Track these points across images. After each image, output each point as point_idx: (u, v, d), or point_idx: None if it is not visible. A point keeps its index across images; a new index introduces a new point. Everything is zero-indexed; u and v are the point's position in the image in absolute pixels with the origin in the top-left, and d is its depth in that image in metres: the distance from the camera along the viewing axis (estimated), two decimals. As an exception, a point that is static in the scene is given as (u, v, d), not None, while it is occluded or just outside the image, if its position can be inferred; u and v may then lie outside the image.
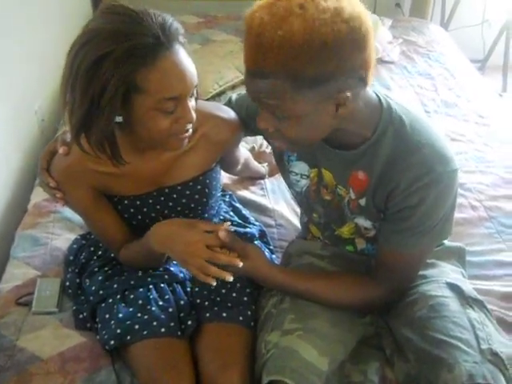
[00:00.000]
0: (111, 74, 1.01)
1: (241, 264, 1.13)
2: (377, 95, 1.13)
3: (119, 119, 1.07)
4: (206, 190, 1.31)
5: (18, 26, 1.95)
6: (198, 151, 1.26)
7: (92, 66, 1.01)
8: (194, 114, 1.11)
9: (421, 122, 1.13)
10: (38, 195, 1.73)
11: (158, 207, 1.29)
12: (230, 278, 1.11)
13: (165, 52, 1.04)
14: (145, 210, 1.28)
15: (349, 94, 0.99)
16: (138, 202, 1.27)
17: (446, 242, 1.35)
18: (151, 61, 1.03)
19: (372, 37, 1.00)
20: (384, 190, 1.13)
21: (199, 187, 1.30)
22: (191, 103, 1.11)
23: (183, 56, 1.07)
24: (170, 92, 1.05)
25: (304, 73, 0.95)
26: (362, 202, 1.19)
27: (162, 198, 1.28)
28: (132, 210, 1.28)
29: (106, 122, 1.05)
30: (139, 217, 1.29)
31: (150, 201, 1.28)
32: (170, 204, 1.29)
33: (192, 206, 1.31)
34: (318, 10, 0.93)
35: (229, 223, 1.14)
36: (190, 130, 1.14)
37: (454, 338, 1.09)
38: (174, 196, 1.29)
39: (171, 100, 1.06)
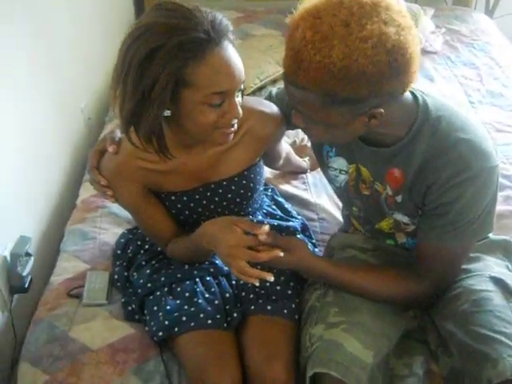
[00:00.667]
0: (162, 68, 1.03)
1: (282, 254, 1.13)
2: (413, 93, 1.12)
3: (167, 113, 1.10)
4: (251, 185, 1.33)
5: (65, 27, 2.00)
6: (242, 146, 1.27)
7: (144, 60, 1.04)
8: (240, 110, 1.12)
9: (458, 117, 1.11)
10: (86, 191, 1.78)
11: (205, 202, 1.31)
12: (271, 278, 1.12)
13: (214, 47, 1.06)
14: (191, 205, 1.31)
15: (382, 110, 1.00)
16: (185, 198, 1.30)
17: (490, 235, 1.33)
18: (201, 55, 1.04)
19: (417, 58, 0.99)
20: (421, 186, 1.12)
21: (244, 182, 1.31)
22: (238, 99, 1.12)
23: (232, 52, 1.09)
24: (218, 87, 1.07)
25: (338, 93, 0.96)
26: (399, 198, 1.18)
27: (208, 194, 1.31)
28: (179, 206, 1.30)
29: (155, 115, 1.07)
30: (186, 212, 1.31)
31: (197, 196, 1.30)
32: (216, 199, 1.32)
33: (237, 200, 1.33)
34: (361, 37, 0.92)
35: (267, 226, 1.14)
36: (236, 126, 1.16)
37: (497, 333, 1.08)
38: (220, 191, 1.31)
39: (219, 94, 1.08)
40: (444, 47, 2.68)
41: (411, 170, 1.13)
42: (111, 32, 2.44)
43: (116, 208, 1.70)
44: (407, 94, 1.10)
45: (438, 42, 2.67)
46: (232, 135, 1.17)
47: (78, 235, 1.63)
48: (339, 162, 1.27)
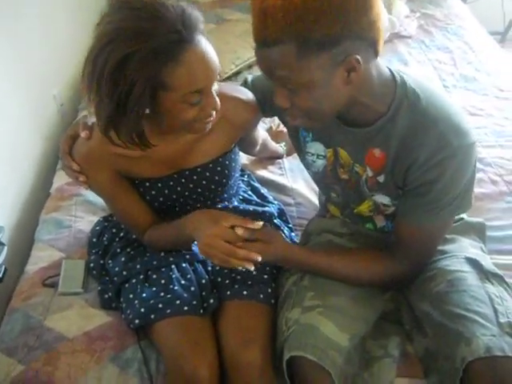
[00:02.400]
0: (137, 75, 1.01)
1: (259, 258, 1.13)
2: (390, 70, 1.12)
3: (146, 111, 1.09)
4: (226, 172, 1.32)
5: (35, 12, 1.96)
6: (217, 133, 1.27)
7: (117, 67, 1.02)
8: (218, 101, 1.12)
9: (436, 96, 1.12)
10: (61, 179, 1.76)
11: (179, 189, 1.31)
12: (252, 267, 1.13)
13: (188, 46, 1.04)
14: (166, 192, 1.30)
15: (358, 56, 0.98)
16: (159, 185, 1.29)
17: (465, 217, 1.35)
18: (175, 57, 1.03)
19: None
20: (402, 165, 1.13)
21: (219, 169, 1.31)
22: (214, 88, 1.12)
23: (205, 46, 1.08)
24: (195, 85, 1.06)
25: (310, 36, 0.94)
26: (381, 178, 1.19)
27: (183, 180, 1.30)
28: (153, 193, 1.29)
29: (134, 118, 1.07)
30: (160, 199, 1.31)
31: (171, 183, 1.29)
32: (191, 186, 1.31)
33: (212, 187, 1.33)
34: None
35: (261, 222, 1.14)
36: (214, 114, 1.16)
37: (471, 312, 1.10)
38: (194, 178, 1.30)
39: (197, 92, 1.07)
40: (418, 31, 2.68)
41: (392, 149, 1.13)
42: (83, 17, 2.40)
43: (91, 196, 1.68)
44: (384, 68, 1.10)
45: (413, 26, 2.67)
46: (210, 124, 1.17)
47: (52, 224, 1.62)
48: (316, 147, 1.27)
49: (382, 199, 1.23)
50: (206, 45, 1.08)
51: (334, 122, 1.17)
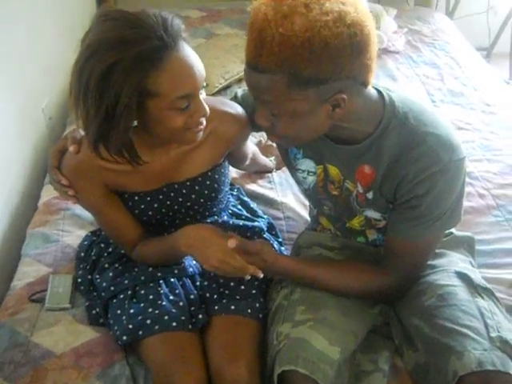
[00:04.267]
0: (122, 84, 1.01)
1: (261, 275, 1.17)
2: (378, 90, 1.13)
3: (134, 123, 1.09)
4: (215, 185, 1.32)
5: (23, 25, 1.96)
6: (206, 147, 1.27)
7: (102, 78, 1.02)
8: (207, 107, 1.12)
9: (425, 113, 1.13)
10: (48, 193, 1.75)
11: (168, 203, 1.30)
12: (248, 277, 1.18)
13: (171, 52, 1.05)
14: (155, 205, 1.29)
15: (345, 96, 1.00)
16: (149, 198, 1.28)
17: (454, 231, 1.36)
18: (159, 63, 1.03)
19: (374, 42, 1.01)
20: (392, 182, 1.14)
21: (208, 182, 1.31)
22: (202, 95, 1.12)
23: (189, 52, 1.08)
24: (181, 90, 1.06)
25: (302, 72, 0.96)
26: (369, 195, 1.19)
27: (172, 194, 1.30)
28: (142, 206, 1.29)
29: (123, 130, 1.07)
30: (150, 213, 1.30)
31: (160, 196, 1.29)
32: (180, 199, 1.31)
33: (201, 201, 1.32)
34: (322, 12, 0.94)
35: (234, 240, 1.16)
36: (204, 123, 1.16)
37: (462, 326, 1.10)
38: (184, 191, 1.30)
39: (184, 98, 1.07)
40: (406, 47, 2.72)
41: (382, 166, 1.14)
42: (71, 30, 2.40)
43: (79, 210, 1.66)
44: (372, 91, 1.11)
45: (401, 41, 2.71)
46: (201, 133, 1.17)
47: (39, 238, 1.60)
48: (307, 164, 1.28)
49: (373, 214, 1.24)
50: (189, 51, 1.08)
51: (323, 140, 1.18)
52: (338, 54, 0.96)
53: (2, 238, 1.70)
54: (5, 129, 1.76)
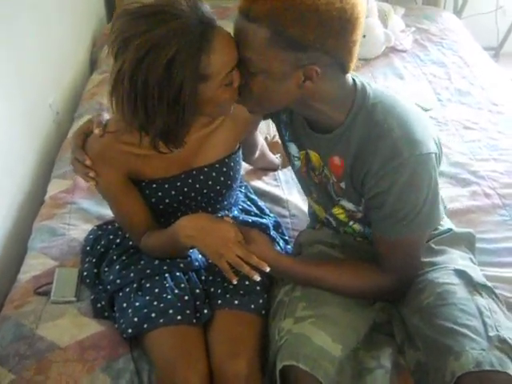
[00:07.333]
0: (182, 75, 1.05)
1: (268, 269, 1.17)
2: (353, 80, 1.14)
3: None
4: (231, 173, 1.35)
5: (31, 21, 1.97)
6: (223, 131, 1.31)
7: (162, 76, 1.04)
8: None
9: (396, 107, 1.13)
10: (55, 187, 1.76)
11: (186, 189, 1.32)
12: (258, 278, 1.17)
13: (214, 31, 1.08)
14: (172, 193, 1.31)
15: (318, 69, 1.02)
16: (167, 185, 1.30)
17: (455, 228, 1.35)
18: (207, 45, 1.06)
19: (361, 29, 1.03)
20: (358, 173, 1.14)
21: (224, 169, 1.34)
22: None
23: (225, 28, 1.11)
24: (229, 66, 1.09)
25: (286, 30, 0.99)
26: (343, 185, 1.20)
27: (190, 180, 1.32)
28: (160, 194, 1.30)
29: (189, 117, 1.10)
30: (166, 200, 1.32)
31: (178, 183, 1.31)
32: (197, 186, 1.33)
33: (217, 188, 1.35)
34: None
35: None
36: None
37: (461, 326, 1.09)
38: (201, 177, 1.32)
39: (230, 72, 1.10)
40: (414, 46, 2.71)
41: (349, 157, 1.15)
42: (79, 26, 2.41)
43: (85, 204, 1.68)
44: (349, 80, 1.12)
45: (408, 40, 2.70)
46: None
47: (46, 232, 1.61)
48: (292, 148, 1.29)
49: (347, 205, 1.24)
50: (224, 26, 1.11)
51: (302, 126, 1.20)
52: (326, 23, 0.98)
53: (9, 231, 1.71)
54: (12, 124, 1.77)
